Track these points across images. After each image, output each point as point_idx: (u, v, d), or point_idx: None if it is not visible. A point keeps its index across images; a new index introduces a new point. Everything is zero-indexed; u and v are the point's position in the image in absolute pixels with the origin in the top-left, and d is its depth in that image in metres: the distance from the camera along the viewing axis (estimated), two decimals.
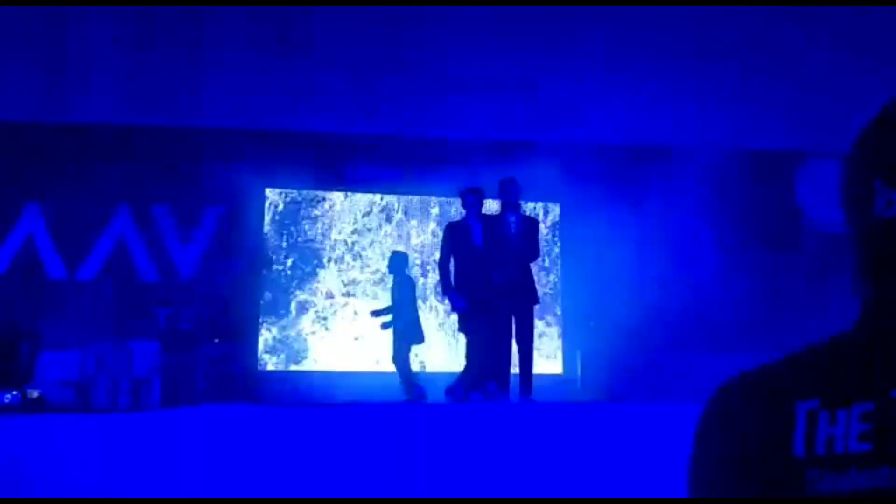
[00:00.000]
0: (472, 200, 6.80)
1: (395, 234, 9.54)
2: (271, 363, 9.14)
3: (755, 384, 1.08)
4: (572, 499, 4.76)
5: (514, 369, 6.57)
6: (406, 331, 7.63)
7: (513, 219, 6.60)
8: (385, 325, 7.81)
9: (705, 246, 9.23)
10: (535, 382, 6.66)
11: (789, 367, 1.06)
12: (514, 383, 6.58)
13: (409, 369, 7.64)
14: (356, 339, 9.15)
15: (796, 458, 0.98)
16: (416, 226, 9.58)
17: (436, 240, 8.97)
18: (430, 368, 8.72)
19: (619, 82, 8.75)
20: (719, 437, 1.07)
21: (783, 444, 0.99)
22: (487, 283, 6.48)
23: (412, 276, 8.20)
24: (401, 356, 7.62)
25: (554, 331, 9.48)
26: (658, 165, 9.09)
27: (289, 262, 9.34)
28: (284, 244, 9.37)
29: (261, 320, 9.10)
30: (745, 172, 9.38)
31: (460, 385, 6.79)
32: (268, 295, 9.16)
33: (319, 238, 9.44)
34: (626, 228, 8.95)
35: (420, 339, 7.71)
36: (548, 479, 4.85)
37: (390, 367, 7.89)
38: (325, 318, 9.28)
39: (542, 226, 7.01)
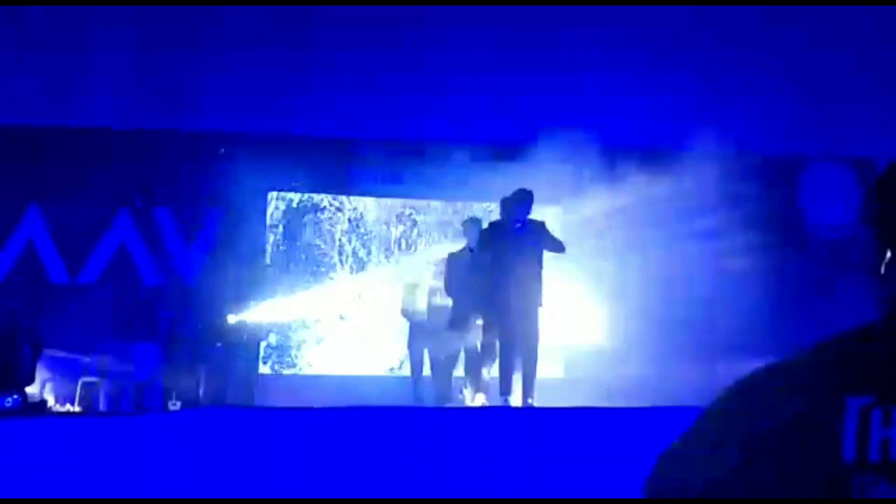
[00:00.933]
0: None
1: (400, 238, 9.53)
2: (272, 367, 9.14)
3: (800, 370, 0.99)
4: (573, 499, 4.77)
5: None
6: None
7: (520, 225, 6.57)
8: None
9: (708, 250, 9.21)
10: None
11: (838, 356, 0.97)
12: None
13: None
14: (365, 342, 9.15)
15: (845, 460, 0.89)
16: (423, 230, 9.56)
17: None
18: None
19: (621, 85, 8.75)
20: (752, 414, 0.97)
21: (830, 443, 0.90)
22: (493, 286, 6.47)
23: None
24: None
25: None
26: (661, 169, 9.08)
27: (291, 266, 9.33)
28: (286, 248, 9.36)
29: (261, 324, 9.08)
30: (749, 176, 9.37)
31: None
32: (270, 299, 9.14)
33: (322, 242, 9.42)
34: (627, 232, 8.95)
35: None
36: (547, 483, 4.84)
37: (388, 372, 7.87)
38: (327, 322, 9.27)
39: (550, 221, 7.00)
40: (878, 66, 8.94)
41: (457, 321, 7.02)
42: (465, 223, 7.47)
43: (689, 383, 8.30)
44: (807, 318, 8.99)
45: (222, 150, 8.79)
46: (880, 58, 8.84)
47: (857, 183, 10.00)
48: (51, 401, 7.32)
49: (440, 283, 7.41)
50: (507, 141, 9.14)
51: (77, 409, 7.23)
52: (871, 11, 8.41)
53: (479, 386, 6.64)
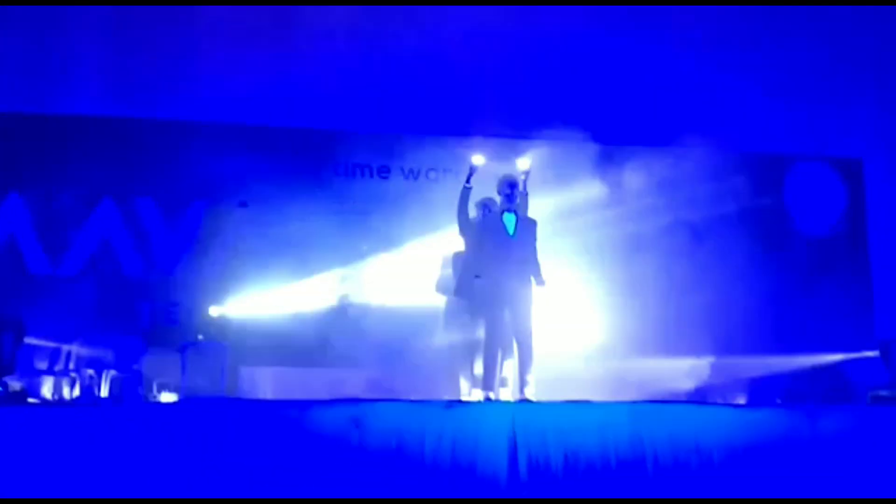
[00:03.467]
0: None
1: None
2: (254, 361, 9.03)
3: None
4: (579, 499, 4.76)
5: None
6: None
7: (511, 215, 6.47)
8: None
9: (696, 247, 9.23)
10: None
11: None
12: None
13: None
14: None
15: None
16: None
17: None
18: None
19: (615, 84, 8.77)
20: None
21: None
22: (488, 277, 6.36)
23: None
24: None
25: None
26: (651, 167, 9.11)
27: (273, 257, 9.21)
28: (269, 238, 9.25)
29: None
30: (736, 174, 9.41)
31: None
32: (251, 291, 9.06)
33: (305, 233, 9.28)
34: (614, 229, 8.97)
35: None
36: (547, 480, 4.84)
37: None
38: (311, 313, 9.20)
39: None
40: (866, 67, 8.99)
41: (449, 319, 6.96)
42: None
43: (675, 379, 8.36)
44: (790, 314, 9.07)
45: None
46: (869, 59, 8.89)
47: (843, 182, 10.05)
48: (31, 391, 7.26)
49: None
50: (501, 137, 9.08)
51: (57, 399, 7.18)
52: (862, 16, 8.46)
53: (474, 381, 6.56)
